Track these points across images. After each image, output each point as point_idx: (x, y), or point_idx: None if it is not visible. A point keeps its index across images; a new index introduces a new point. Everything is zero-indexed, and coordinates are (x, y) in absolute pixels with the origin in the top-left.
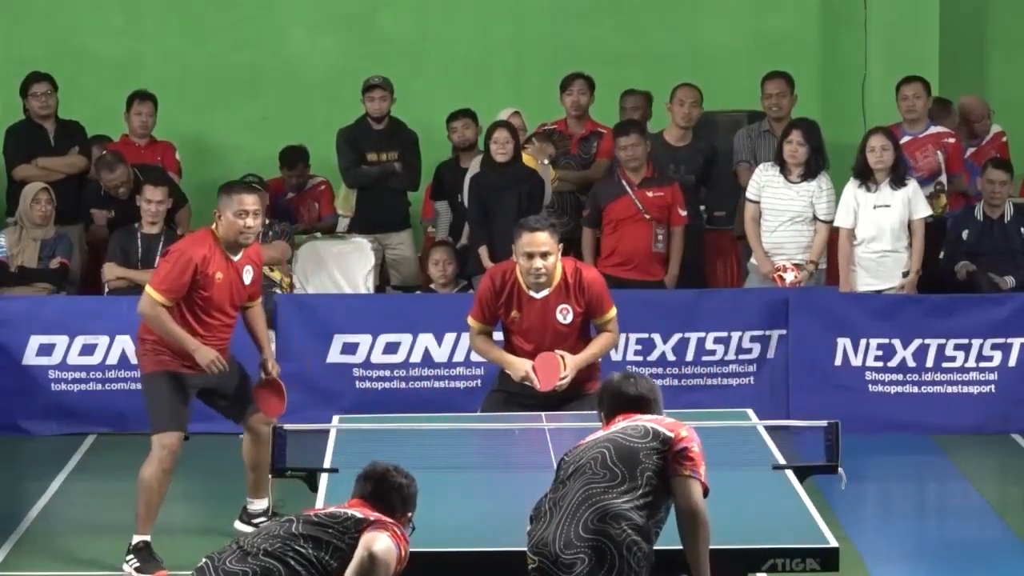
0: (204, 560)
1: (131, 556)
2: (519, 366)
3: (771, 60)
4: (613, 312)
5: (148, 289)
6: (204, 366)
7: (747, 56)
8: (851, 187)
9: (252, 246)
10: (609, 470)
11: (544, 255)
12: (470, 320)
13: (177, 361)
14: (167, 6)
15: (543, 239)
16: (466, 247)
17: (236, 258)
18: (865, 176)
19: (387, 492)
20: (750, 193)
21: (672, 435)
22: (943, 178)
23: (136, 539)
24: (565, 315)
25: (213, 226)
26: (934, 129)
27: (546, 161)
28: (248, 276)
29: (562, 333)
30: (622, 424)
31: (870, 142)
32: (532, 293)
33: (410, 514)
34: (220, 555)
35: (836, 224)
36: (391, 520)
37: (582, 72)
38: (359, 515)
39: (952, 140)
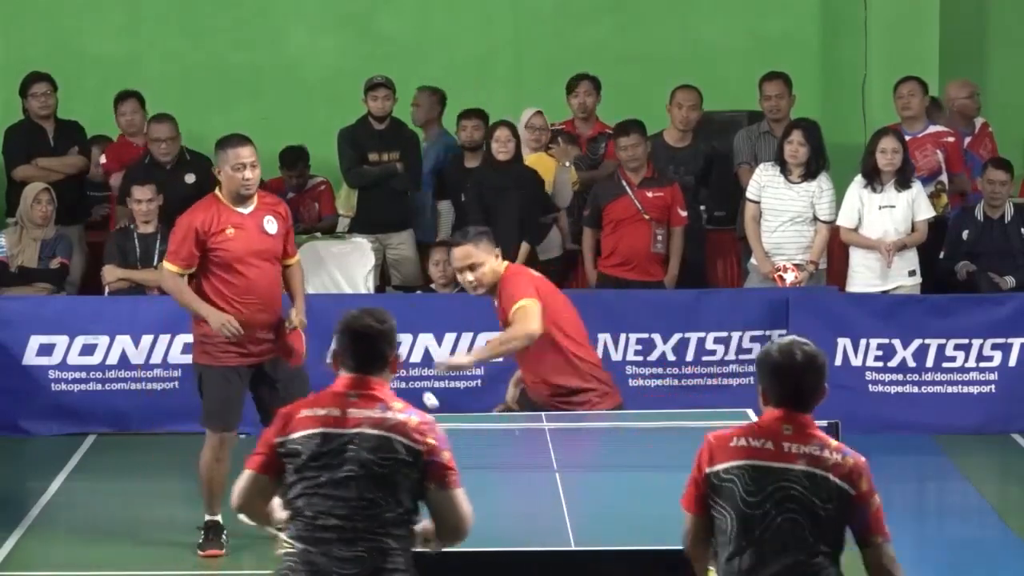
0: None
1: (200, 530)
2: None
3: (771, 61)
4: (517, 304)
5: (164, 263)
6: (215, 328)
7: (747, 57)
8: (856, 187)
9: (273, 199)
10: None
11: (472, 267)
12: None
13: (226, 353)
14: (167, 6)
15: (463, 253)
16: None
17: (247, 210)
18: (872, 177)
19: (378, 346)
20: (750, 193)
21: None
22: (943, 177)
23: (206, 518)
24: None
25: (217, 189)
26: (933, 129)
27: (568, 163)
28: (271, 226)
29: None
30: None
31: (881, 144)
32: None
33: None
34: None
35: (839, 224)
36: (434, 439)
37: (587, 73)
38: (405, 442)
39: (951, 139)
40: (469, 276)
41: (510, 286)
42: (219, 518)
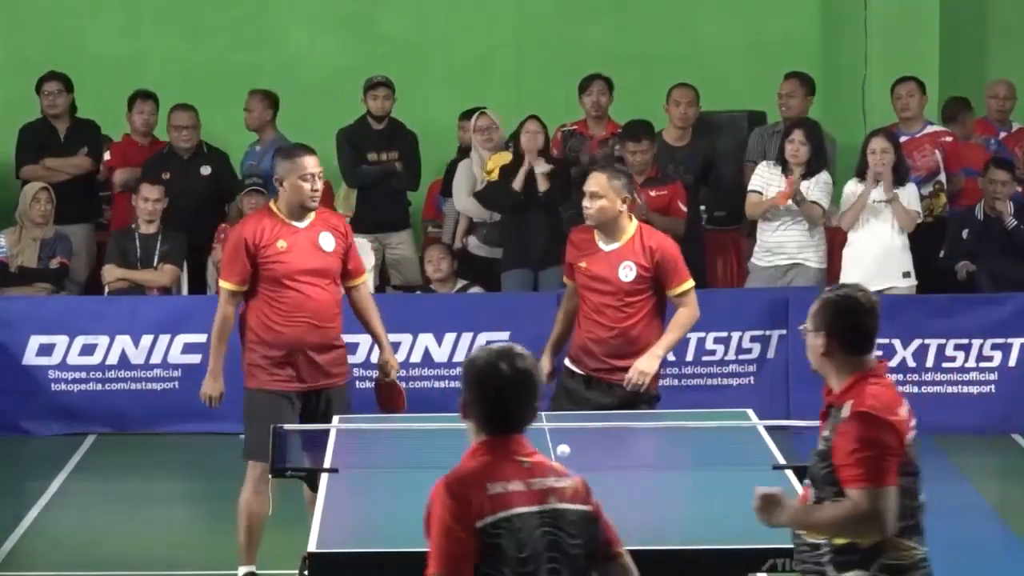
0: None
1: None
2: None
3: (771, 60)
4: (689, 284)
5: (219, 282)
6: (200, 394)
7: (747, 56)
8: (852, 185)
9: (333, 215)
10: None
11: (593, 195)
12: (565, 280)
13: (274, 376)
14: (167, 6)
15: (596, 179)
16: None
17: (303, 224)
18: (865, 176)
19: (515, 401)
20: (753, 185)
21: None
22: (942, 177)
23: (241, 571)
24: (628, 272)
25: (272, 200)
26: (931, 129)
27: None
28: (329, 243)
29: (626, 291)
30: None
31: (871, 144)
32: (602, 245)
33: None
34: None
35: (835, 223)
36: (592, 500)
37: (600, 73)
38: (582, 510)
39: (949, 139)
40: (587, 202)
41: (676, 259)
42: (254, 568)
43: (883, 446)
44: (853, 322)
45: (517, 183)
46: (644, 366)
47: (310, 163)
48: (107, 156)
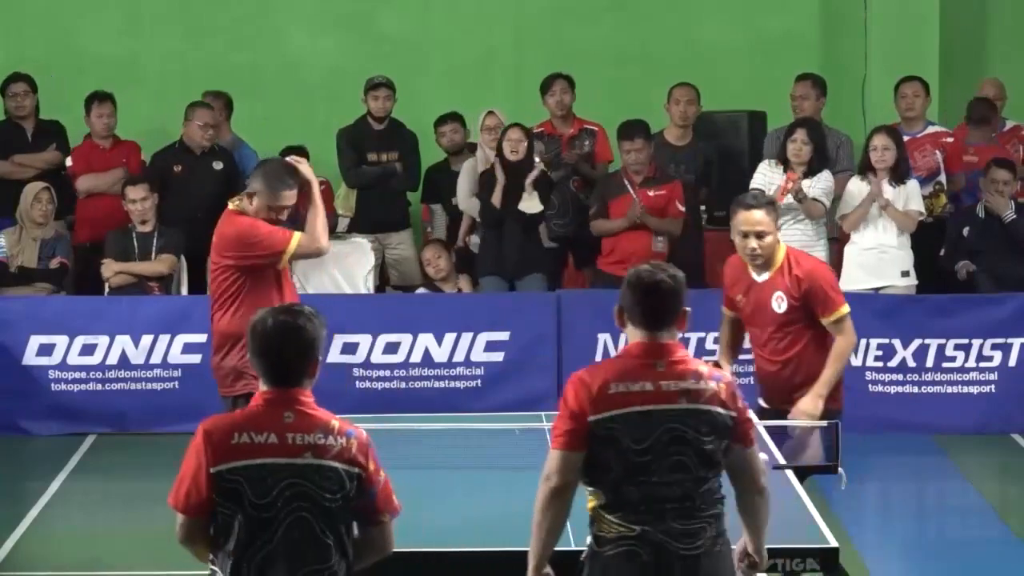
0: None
1: None
2: None
3: (771, 60)
4: (842, 311)
5: (291, 245)
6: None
7: (747, 56)
8: (854, 183)
9: None
10: None
11: (760, 235)
12: (723, 308)
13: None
14: (167, 6)
15: (758, 218)
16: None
17: None
18: (868, 171)
19: (306, 353)
20: (755, 184)
21: None
22: (942, 178)
23: None
24: (780, 303)
25: (239, 203)
26: (932, 129)
27: (536, 159)
28: None
29: (780, 322)
30: None
31: (873, 141)
32: (755, 276)
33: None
34: None
35: (838, 219)
36: (371, 466)
37: (561, 72)
38: (346, 471)
39: (950, 140)
40: (754, 243)
41: (825, 283)
42: None
43: (566, 411)
44: (635, 298)
45: (496, 199)
46: (807, 407)
47: (288, 197)
48: (69, 161)
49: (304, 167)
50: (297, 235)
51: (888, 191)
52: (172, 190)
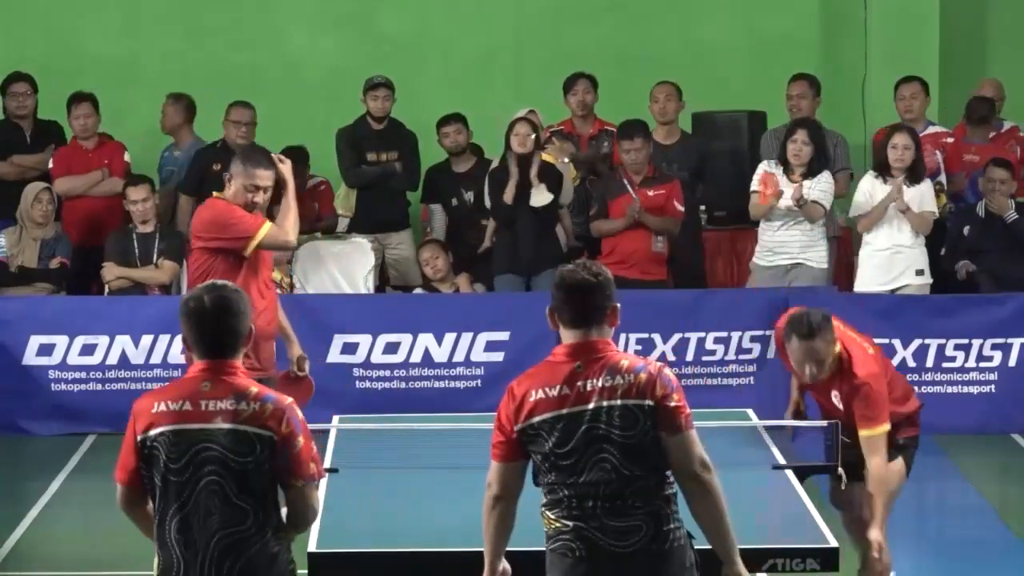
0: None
1: None
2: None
3: (771, 60)
4: (871, 431)
5: (259, 232)
6: None
7: (747, 56)
8: (868, 179)
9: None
10: None
11: (819, 363)
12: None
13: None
14: (167, 6)
15: (818, 347)
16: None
17: None
18: (883, 170)
19: (234, 329)
20: (755, 186)
21: None
22: (942, 178)
23: None
24: (838, 401)
25: (224, 192)
26: (932, 129)
27: (566, 160)
28: None
29: (842, 416)
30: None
31: (894, 139)
32: None
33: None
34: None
35: (850, 215)
36: (284, 430)
37: (584, 71)
38: (257, 434)
39: (950, 140)
40: (814, 370)
41: (865, 400)
42: None
43: (497, 423)
44: (561, 297)
45: (508, 196)
46: (876, 536)
47: (262, 176)
48: (50, 164)
49: (283, 165)
50: (267, 224)
51: (905, 192)
52: (209, 188)
